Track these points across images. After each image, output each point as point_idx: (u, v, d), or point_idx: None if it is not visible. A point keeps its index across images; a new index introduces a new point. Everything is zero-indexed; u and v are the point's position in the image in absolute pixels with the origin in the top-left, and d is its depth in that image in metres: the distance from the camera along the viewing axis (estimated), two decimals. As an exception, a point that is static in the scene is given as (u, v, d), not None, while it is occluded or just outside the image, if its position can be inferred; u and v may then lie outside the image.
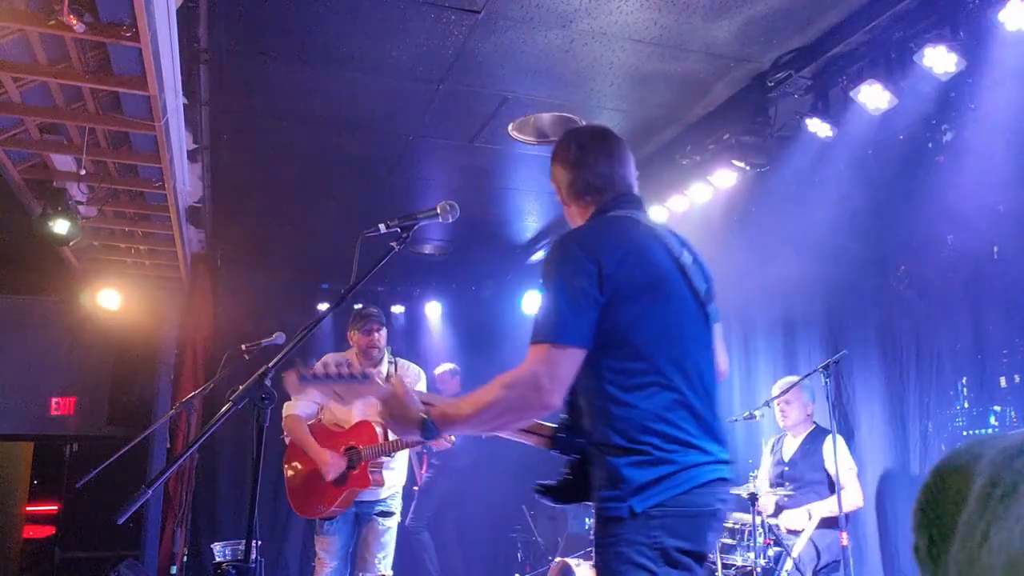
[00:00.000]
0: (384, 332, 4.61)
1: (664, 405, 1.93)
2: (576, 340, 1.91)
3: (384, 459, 4.43)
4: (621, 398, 1.94)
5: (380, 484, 4.40)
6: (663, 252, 2.09)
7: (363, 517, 4.50)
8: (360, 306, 4.71)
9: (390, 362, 4.66)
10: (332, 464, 4.32)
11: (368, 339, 4.54)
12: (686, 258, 2.12)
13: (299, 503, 4.52)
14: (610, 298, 1.93)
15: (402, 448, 4.48)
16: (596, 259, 1.95)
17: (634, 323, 1.94)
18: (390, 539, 4.49)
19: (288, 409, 4.51)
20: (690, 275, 2.09)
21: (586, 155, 2.27)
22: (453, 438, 4.35)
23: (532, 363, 1.90)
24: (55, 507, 7.23)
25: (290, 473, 4.55)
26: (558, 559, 5.11)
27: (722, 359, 2.25)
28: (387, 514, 4.50)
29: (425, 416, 1.98)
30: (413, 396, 2.04)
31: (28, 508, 7.43)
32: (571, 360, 1.91)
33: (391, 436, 4.43)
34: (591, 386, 1.99)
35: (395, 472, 4.55)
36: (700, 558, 1.93)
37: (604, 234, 2.08)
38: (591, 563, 4.92)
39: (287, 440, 4.61)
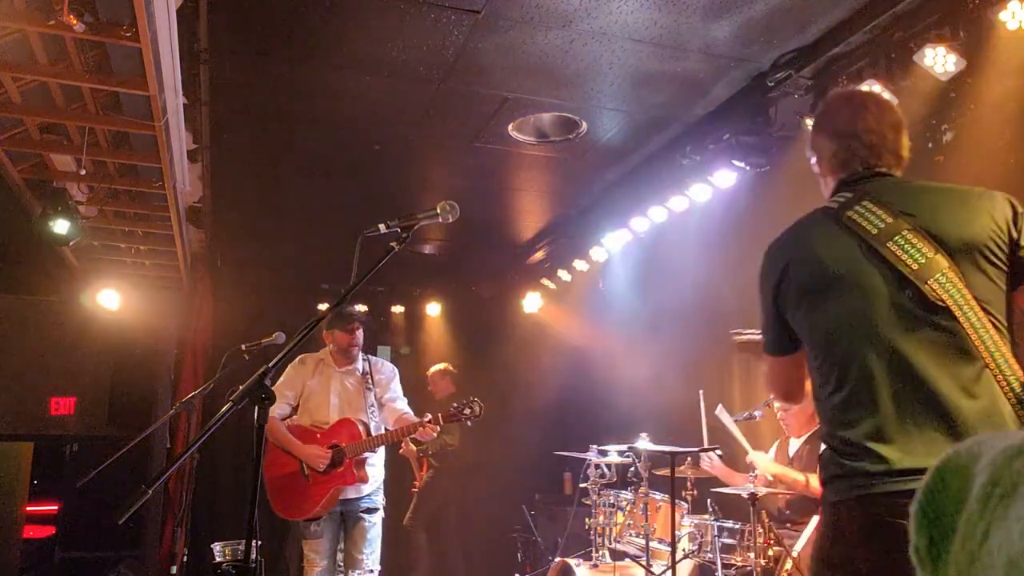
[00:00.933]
0: (362, 331, 4.65)
1: (839, 405, 1.88)
2: (773, 350, 2.12)
3: (367, 455, 4.45)
4: (816, 395, 2.01)
5: (365, 480, 4.42)
6: (847, 244, 1.93)
7: (349, 515, 4.51)
8: (348, 307, 4.77)
9: (364, 359, 4.71)
10: (320, 456, 4.33)
11: (351, 338, 4.58)
12: (895, 241, 1.87)
13: (283, 505, 4.50)
14: (783, 306, 2.04)
15: (385, 443, 4.52)
16: (769, 272, 2.07)
17: (808, 325, 1.99)
18: (376, 535, 4.52)
19: (270, 411, 4.50)
20: (892, 258, 1.87)
21: (819, 137, 2.15)
22: (438, 429, 4.40)
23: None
24: (55, 507, 7.23)
25: (270, 475, 4.54)
26: (558, 559, 5.11)
27: None
28: (372, 510, 4.52)
29: None
30: None
31: (28, 508, 7.41)
32: (777, 366, 2.14)
33: (373, 432, 4.46)
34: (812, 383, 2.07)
35: (376, 467, 4.57)
36: (888, 571, 1.71)
37: (783, 243, 2.09)
38: (591, 563, 4.92)
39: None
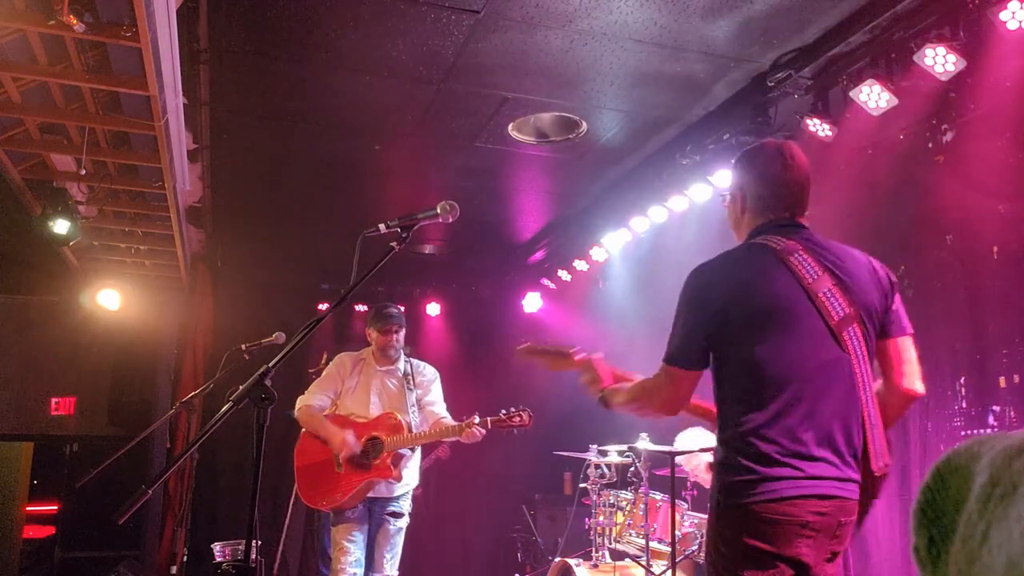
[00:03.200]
0: (402, 333, 4.61)
1: (763, 422, 2.11)
2: (686, 364, 2.25)
3: (407, 452, 4.39)
4: (730, 410, 2.19)
5: (399, 479, 4.36)
6: (791, 285, 2.18)
7: (375, 514, 4.45)
8: (380, 305, 4.71)
9: (406, 361, 4.67)
10: (349, 442, 4.27)
11: (386, 339, 4.54)
12: (824, 292, 2.17)
13: (312, 494, 4.45)
14: (716, 329, 2.20)
15: (427, 441, 4.44)
16: (706, 296, 2.24)
17: (745, 352, 2.16)
18: (399, 540, 4.45)
19: (302, 401, 4.52)
20: (821, 307, 2.16)
21: (749, 178, 2.41)
22: (484, 432, 4.27)
23: (658, 377, 2.31)
24: (55, 507, 7.22)
25: (301, 463, 4.49)
26: (558, 559, 5.11)
27: (903, 378, 2.28)
28: (398, 515, 4.45)
29: (603, 391, 2.51)
30: (606, 369, 2.51)
31: (28, 508, 7.42)
32: (682, 379, 2.26)
33: (414, 429, 4.39)
34: (719, 396, 2.26)
35: (410, 471, 4.51)
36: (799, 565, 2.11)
37: (722, 270, 2.29)
38: (591, 563, 4.92)
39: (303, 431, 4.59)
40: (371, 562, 4.38)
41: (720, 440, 2.21)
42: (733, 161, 2.49)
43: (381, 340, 4.55)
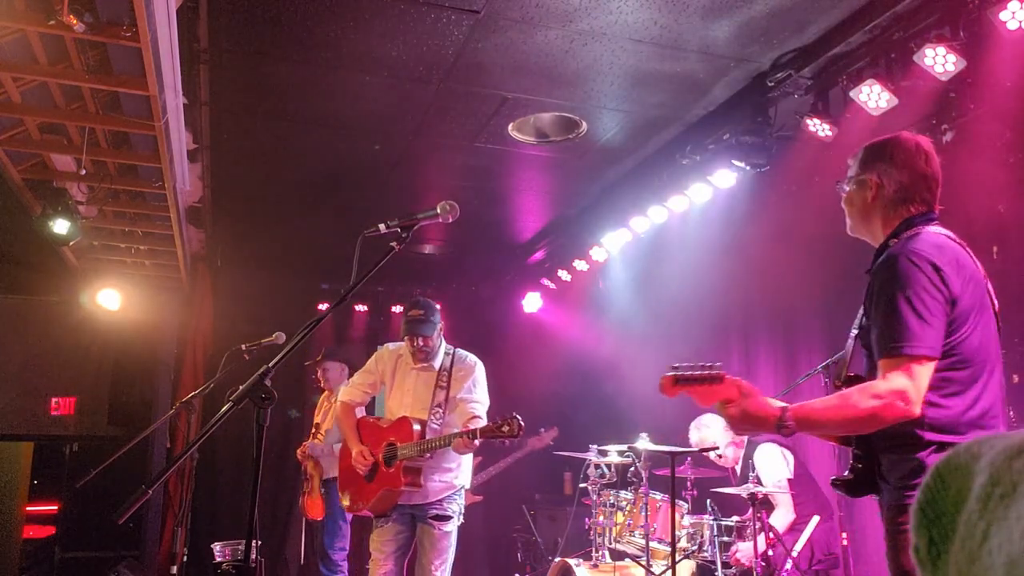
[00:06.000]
0: (432, 337, 4.25)
1: (977, 412, 2.11)
2: (932, 353, 2.08)
3: (423, 461, 4.07)
4: (937, 401, 2.10)
5: (416, 487, 4.04)
6: (979, 270, 2.27)
7: (419, 519, 4.18)
8: (410, 303, 4.34)
9: (447, 353, 4.37)
10: (361, 461, 4.16)
11: (411, 345, 4.27)
12: (983, 274, 2.32)
13: (346, 498, 4.40)
14: (953, 316, 2.14)
15: (439, 448, 4.02)
16: (947, 279, 2.15)
17: (965, 339, 2.14)
18: (447, 545, 4.14)
19: (342, 395, 4.48)
20: (991, 292, 2.30)
21: (890, 167, 2.44)
22: (475, 445, 3.91)
23: (894, 376, 2.06)
24: (55, 507, 7.23)
25: (342, 465, 4.45)
26: (558, 559, 5.11)
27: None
28: (443, 518, 4.14)
29: (779, 415, 2.08)
30: (764, 398, 2.17)
31: (28, 508, 7.42)
32: (927, 374, 2.07)
33: (428, 435, 4.08)
34: None
35: (454, 472, 4.23)
36: None
37: (951, 256, 2.22)
38: (591, 563, 4.92)
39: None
40: (420, 569, 4.11)
41: (907, 430, 2.07)
42: (868, 147, 2.47)
43: (409, 344, 4.29)
